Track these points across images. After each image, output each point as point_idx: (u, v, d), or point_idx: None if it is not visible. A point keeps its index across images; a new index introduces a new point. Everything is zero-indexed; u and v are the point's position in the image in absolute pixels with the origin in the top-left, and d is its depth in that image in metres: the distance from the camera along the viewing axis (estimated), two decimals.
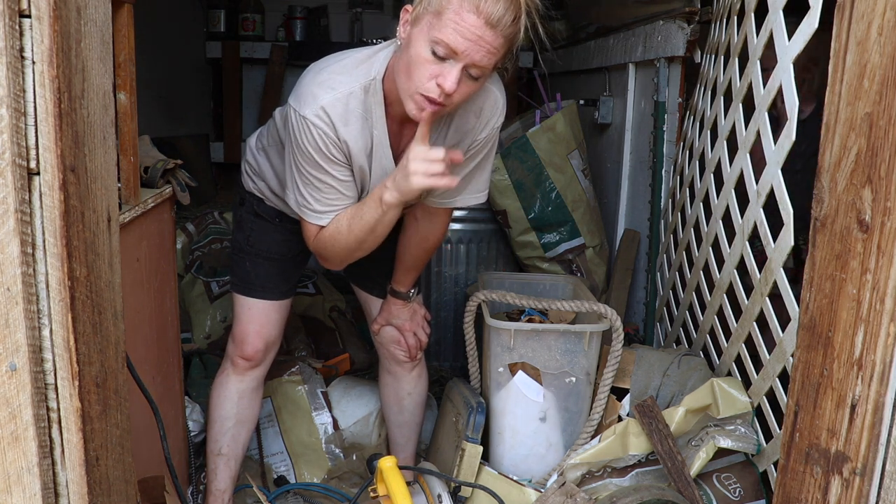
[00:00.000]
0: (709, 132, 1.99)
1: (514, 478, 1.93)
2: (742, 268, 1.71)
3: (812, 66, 2.07)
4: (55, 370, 0.86)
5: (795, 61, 1.44)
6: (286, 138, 1.59)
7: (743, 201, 1.70)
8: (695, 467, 1.60)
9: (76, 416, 0.87)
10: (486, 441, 1.96)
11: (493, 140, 1.66)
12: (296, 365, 2.31)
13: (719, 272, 1.85)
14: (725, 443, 1.61)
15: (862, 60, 0.91)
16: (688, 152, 2.21)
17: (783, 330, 1.51)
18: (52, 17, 0.79)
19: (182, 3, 4.10)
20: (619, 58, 2.88)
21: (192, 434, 2.05)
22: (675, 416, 1.74)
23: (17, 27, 0.78)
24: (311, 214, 1.58)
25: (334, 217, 1.59)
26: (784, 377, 1.47)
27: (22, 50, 0.79)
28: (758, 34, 1.63)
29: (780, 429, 1.55)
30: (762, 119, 1.60)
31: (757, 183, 1.61)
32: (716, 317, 1.89)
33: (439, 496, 1.76)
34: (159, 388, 1.71)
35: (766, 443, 1.63)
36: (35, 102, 0.80)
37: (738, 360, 1.77)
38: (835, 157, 0.97)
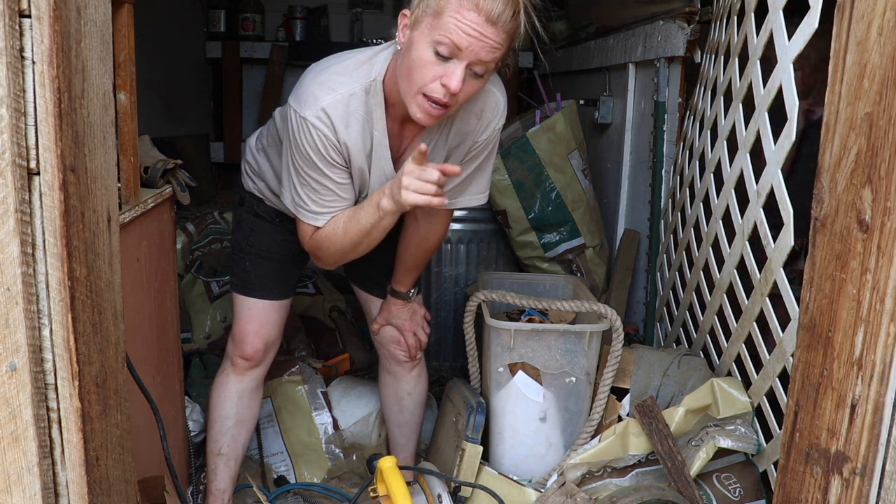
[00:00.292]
0: (709, 132, 1.99)
1: (514, 478, 1.93)
2: (742, 268, 1.71)
3: (825, 67, 2.08)
4: (55, 370, 0.86)
5: (797, 61, 1.44)
6: (285, 138, 1.59)
7: (743, 201, 1.70)
8: (695, 467, 1.60)
9: (76, 416, 0.87)
10: (486, 441, 1.96)
11: (493, 142, 1.66)
12: (296, 365, 2.31)
13: (719, 272, 1.85)
14: (725, 443, 1.61)
15: (862, 60, 0.91)
16: (688, 152, 2.21)
17: (783, 330, 1.51)
18: (52, 17, 0.79)
19: (182, 3, 4.10)
20: (619, 58, 2.88)
21: (192, 434, 2.05)
22: (675, 416, 1.74)
23: (17, 27, 0.78)
24: (307, 215, 1.58)
25: (331, 219, 1.59)
26: (784, 377, 1.47)
27: (22, 50, 0.79)
28: (758, 34, 1.63)
29: (780, 429, 1.55)
30: (762, 119, 1.60)
31: (757, 183, 1.61)
32: (716, 317, 1.89)
33: (439, 496, 1.76)
34: (159, 388, 1.71)
35: (766, 443, 1.63)
36: (35, 102, 0.80)
37: (738, 360, 1.77)
38: (835, 157, 0.97)
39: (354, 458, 2.23)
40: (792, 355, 1.40)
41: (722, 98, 1.90)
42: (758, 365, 1.66)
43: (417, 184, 1.40)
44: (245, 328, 1.83)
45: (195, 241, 3.05)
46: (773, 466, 1.60)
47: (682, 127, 2.39)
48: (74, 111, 0.84)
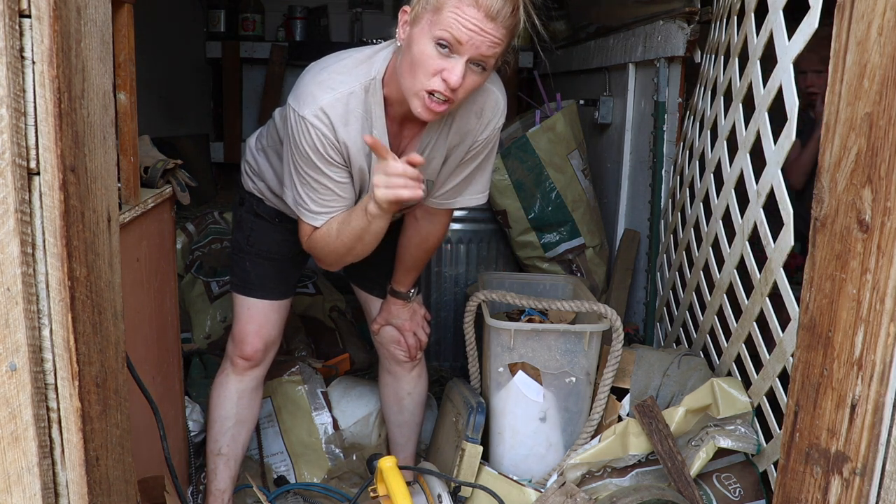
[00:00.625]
0: (709, 132, 1.99)
1: (514, 478, 1.93)
2: (742, 268, 1.71)
3: None
4: (55, 370, 0.86)
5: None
6: (285, 137, 1.59)
7: (743, 201, 1.70)
8: (695, 467, 1.60)
9: (76, 416, 0.87)
10: (486, 441, 1.96)
11: (493, 141, 1.66)
12: (296, 365, 2.30)
13: (719, 272, 1.85)
14: (725, 443, 1.61)
15: (862, 60, 0.91)
16: (688, 152, 2.21)
17: (783, 330, 1.51)
18: (52, 17, 0.79)
19: (182, 3, 4.10)
20: (619, 58, 2.88)
21: (192, 434, 2.05)
22: (675, 416, 1.74)
23: (17, 27, 0.78)
24: (307, 214, 1.59)
25: (328, 220, 1.59)
26: (784, 377, 1.47)
27: (22, 50, 0.79)
28: (758, 34, 1.63)
29: (779, 429, 1.55)
30: (762, 119, 1.60)
31: (757, 183, 1.61)
32: (716, 317, 1.89)
33: (439, 496, 1.76)
34: (159, 388, 1.71)
35: (766, 443, 1.63)
36: (35, 102, 0.80)
37: (738, 360, 1.77)
38: (835, 157, 0.97)
39: (354, 458, 2.23)
40: (792, 355, 1.40)
41: (722, 98, 1.90)
42: (758, 365, 1.66)
43: (385, 179, 1.40)
44: (245, 328, 1.83)
45: (195, 241, 3.05)
46: (773, 466, 1.60)
47: (682, 127, 2.39)
48: (74, 111, 0.84)
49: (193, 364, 2.35)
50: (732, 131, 1.78)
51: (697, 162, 2.07)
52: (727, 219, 1.81)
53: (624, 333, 1.94)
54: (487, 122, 1.61)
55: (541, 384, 1.94)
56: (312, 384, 2.27)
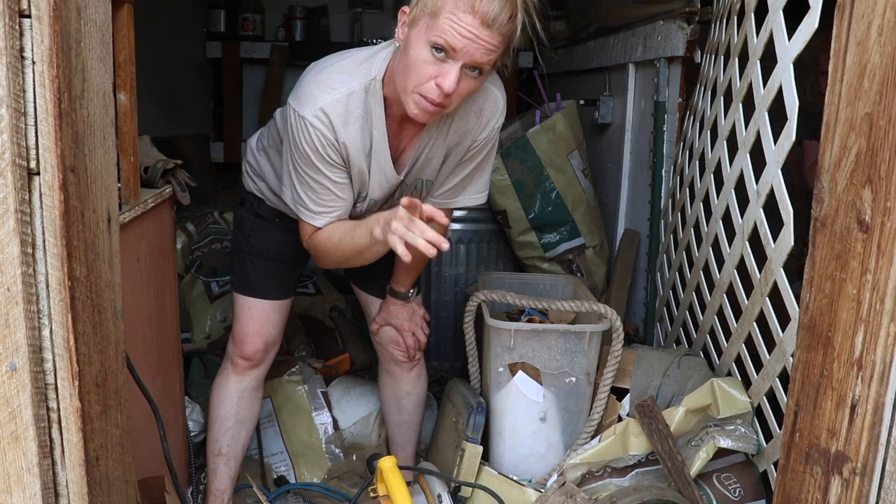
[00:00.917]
0: (709, 132, 1.99)
1: (514, 478, 1.93)
2: (742, 268, 1.71)
3: None
4: (55, 370, 0.86)
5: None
6: (285, 137, 1.59)
7: (743, 201, 1.70)
8: (695, 467, 1.60)
9: (76, 416, 0.87)
10: (486, 441, 1.96)
11: (493, 141, 1.66)
12: (296, 365, 2.30)
13: (719, 272, 1.85)
14: (725, 443, 1.61)
15: (862, 60, 0.91)
16: (688, 152, 2.21)
17: (783, 330, 1.51)
18: (52, 17, 0.79)
19: (182, 3, 4.10)
20: (619, 58, 2.88)
21: (192, 434, 2.05)
22: (675, 416, 1.74)
23: (17, 27, 0.78)
24: (306, 213, 1.59)
25: (330, 223, 1.59)
26: (784, 377, 1.47)
27: (22, 50, 0.79)
28: (758, 34, 1.63)
29: (780, 429, 1.55)
30: (762, 119, 1.60)
31: (757, 183, 1.61)
32: (716, 317, 1.89)
33: (439, 496, 1.76)
34: (159, 388, 1.71)
35: (766, 443, 1.63)
36: (35, 102, 0.80)
37: (738, 360, 1.77)
38: (835, 157, 0.97)
39: (354, 458, 2.23)
40: (792, 355, 1.40)
41: (722, 98, 1.90)
42: (758, 365, 1.66)
43: (403, 231, 1.36)
44: (245, 328, 1.83)
45: (195, 241, 3.05)
46: (773, 466, 1.60)
47: (682, 127, 2.39)
48: (74, 111, 0.84)
49: (193, 364, 2.35)
50: (732, 131, 1.78)
51: (697, 162, 2.07)
52: (727, 219, 1.81)
53: (624, 333, 1.94)
54: (487, 121, 1.61)
55: (541, 384, 1.94)
56: (312, 384, 2.27)
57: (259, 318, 1.83)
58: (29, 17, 0.78)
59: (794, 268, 1.76)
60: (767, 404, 1.64)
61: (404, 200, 1.36)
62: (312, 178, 1.54)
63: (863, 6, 0.91)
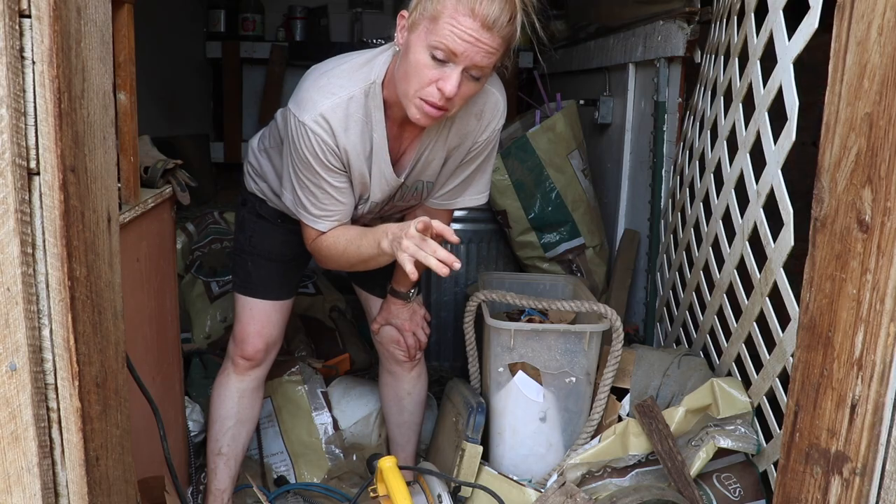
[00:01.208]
0: (709, 132, 1.99)
1: (514, 478, 1.93)
2: (742, 268, 1.71)
3: None
4: (55, 370, 0.86)
5: (797, 61, 1.44)
6: (285, 140, 1.59)
7: (743, 201, 1.70)
8: (695, 467, 1.60)
9: (76, 416, 0.87)
10: (486, 441, 1.96)
11: (493, 142, 1.66)
12: (296, 365, 2.30)
13: (719, 272, 1.85)
14: (725, 443, 1.61)
15: (862, 60, 0.91)
16: (688, 152, 2.21)
17: (783, 330, 1.51)
18: (52, 17, 0.79)
19: (182, 3, 4.10)
20: (619, 58, 2.88)
21: (192, 434, 2.05)
22: (675, 416, 1.74)
23: (17, 27, 0.78)
24: (307, 217, 1.59)
25: (332, 227, 1.60)
26: (784, 377, 1.47)
27: (22, 50, 0.79)
28: (758, 34, 1.63)
29: (780, 429, 1.55)
30: (762, 119, 1.60)
31: (757, 183, 1.61)
32: (716, 317, 1.89)
33: (439, 496, 1.76)
34: (159, 388, 1.71)
35: (766, 443, 1.63)
36: (35, 102, 0.80)
37: (738, 360, 1.77)
38: (835, 157, 0.97)
39: (354, 458, 2.23)
40: (792, 355, 1.40)
41: (722, 98, 1.90)
42: (758, 365, 1.66)
43: (413, 249, 1.37)
44: (246, 328, 1.84)
45: (195, 241, 3.05)
46: (773, 466, 1.60)
47: (682, 127, 2.39)
48: (74, 111, 0.84)
49: (193, 364, 2.35)
50: (732, 131, 1.78)
51: (697, 162, 2.07)
52: (727, 219, 1.81)
53: (624, 333, 1.94)
54: (487, 123, 1.61)
55: (541, 384, 1.94)
56: (312, 384, 2.27)
57: (260, 319, 1.83)
58: (29, 17, 0.78)
59: (794, 268, 1.76)
60: (767, 404, 1.64)
61: (419, 225, 1.36)
62: (313, 183, 1.54)
63: (863, 6, 0.91)
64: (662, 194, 2.51)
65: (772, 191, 1.54)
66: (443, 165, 1.64)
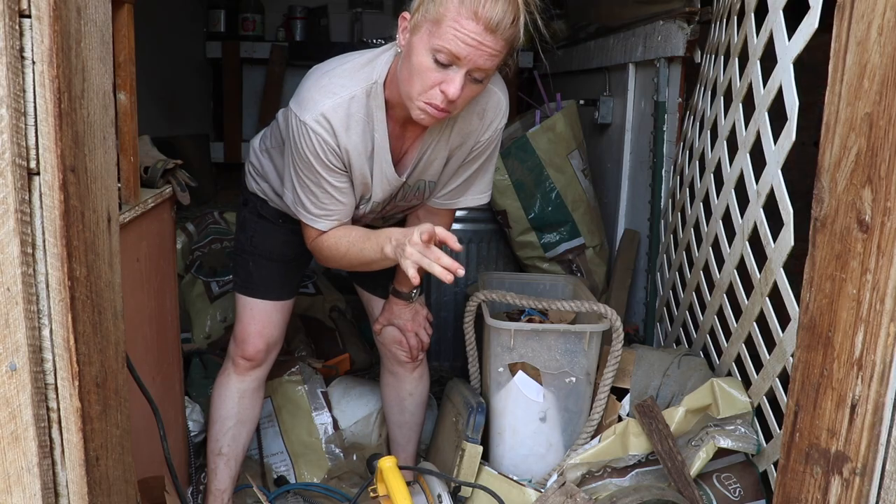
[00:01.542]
0: (709, 132, 1.99)
1: (514, 478, 1.93)
2: (742, 268, 1.71)
3: None
4: (55, 370, 0.86)
5: (797, 61, 1.44)
6: (286, 140, 1.59)
7: (743, 201, 1.70)
8: (695, 467, 1.60)
9: (76, 416, 0.87)
10: (486, 441, 1.96)
11: (495, 141, 1.66)
12: (296, 365, 2.30)
13: (719, 272, 1.85)
14: (725, 443, 1.61)
15: (862, 60, 0.91)
16: (688, 152, 2.21)
17: (783, 330, 1.51)
18: (52, 17, 0.79)
19: (182, 3, 4.10)
20: (619, 58, 2.88)
21: (192, 434, 2.05)
22: (675, 416, 1.74)
23: (17, 27, 0.78)
24: (307, 216, 1.59)
25: (332, 227, 1.60)
26: (784, 377, 1.47)
27: (22, 50, 0.79)
28: (758, 34, 1.63)
29: (780, 429, 1.55)
30: (762, 119, 1.60)
31: (757, 183, 1.61)
32: (716, 317, 1.89)
33: (439, 496, 1.76)
34: (159, 388, 1.71)
35: (766, 443, 1.63)
36: (35, 102, 0.80)
37: (738, 360, 1.77)
38: (835, 157, 0.97)
39: (354, 458, 2.23)
40: (792, 355, 1.40)
41: (722, 98, 1.90)
42: (758, 365, 1.66)
43: (418, 256, 1.38)
44: (247, 328, 1.83)
45: (195, 241, 3.05)
46: (773, 466, 1.60)
47: (682, 127, 2.39)
48: (74, 111, 0.84)
49: (193, 364, 2.35)
50: (732, 131, 1.78)
51: (697, 162, 2.07)
52: (727, 219, 1.81)
53: (624, 333, 1.94)
54: (489, 122, 1.61)
55: (541, 384, 1.94)
56: (312, 384, 2.27)
57: (261, 319, 1.83)
58: (29, 17, 0.78)
59: (794, 268, 1.76)
60: (767, 404, 1.64)
61: (424, 235, 1.37)
62: (313, 182, 1.54)
63: (863, 6, 0.91)
64: (662, 194, 2.51)
65: (772, 191, 1.54)
66: (445, 165, 1.64)
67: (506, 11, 1.31)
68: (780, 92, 1.49)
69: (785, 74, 1.47)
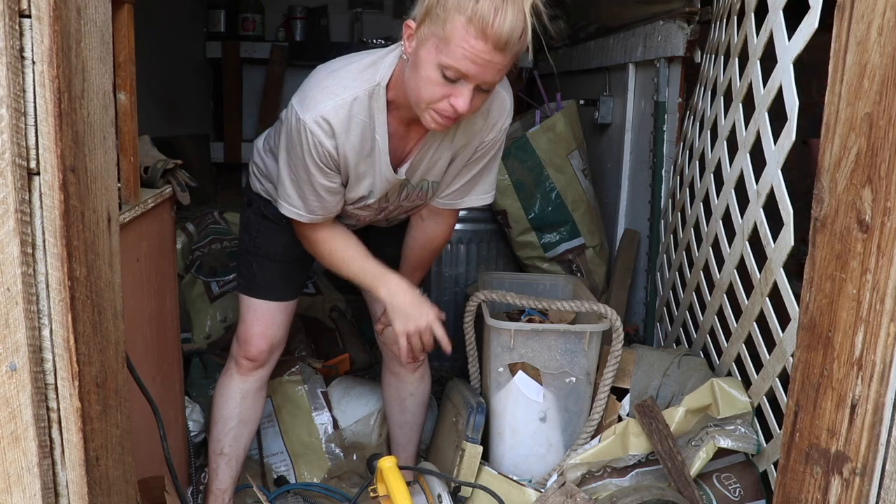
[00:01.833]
0: (709, 132, 1.99)
1: (514, 478, 1.93)
2: (742, 268, 1.71)
3: None
4: (55, 370, 0.86)
5: (796, 61, 1.44)
6: (284, 132, 1.59)
7: (743, 201, 1.70)
8: (695, 467, 1.60)
9: (76, 416, 0.87)
10: (486, 441, 1.96)
11: (500, 142, 1.66)
12: (296, 365, 2.30)
13: (719, 272, 1.85)
14: (725, 443, 1.61)
15: (862, 60, 0.91)
16: (688, 152, 2.21)
17: (783, 330, 1.51)
18: (52, 17, 0.79)
19: (182, 3, 4.09)
20: (619, 58, 2.88)
21: (192, 434, 2.05)
22: (675, 416, 1.74)
23: (17, 27, 0.78)
24: (285, 206, 1.62)
25: (335, 237, 1.66)
26: (784, 377, 1.47)
27: (22, 50, 0.79)
28: (758, 34, 1.63)
29: (779, 429, 1.55)
30: (762, 119, 1.60)
31: (757, 183, 1.61)
32: (716, 317, 1.89)
33: (439, 496, 1.76)
34: (159, 388, 1.71)
35: (766, 443, 1.63)
36: (35, 102, 0.80)
37: (738, 360, 1.77)
38: (835, 157, 0.97)
39: (355, 457, 2.23)
40: (792, 355, 1.40)
41: (722, 98, 1.90)
42: (758, 365, 1.66)
43: (414, 325, 1.64)
44: (250, 329, 1.83)
45: (195, 241, 3.05)
46: (772, 466, 1.60)
47: (682, 127, 2.39)
48: (74, 111, 0.84)
49: (193, 364, 2.35)
50: (732, 131, 1.78)
51: (697, 162, 2.07)
52: (727, 219, 1.81)
53: (624, 333, 1.94)
54: (494, 122, 1.61)
55: (541, 384, 1.94)
56: (312, 384, 2.27)
57: (264, 320, 1.83)
58: (29, 17, 0.78)
59: (794, 268, 1.76)
60: (767, 404, 1.64)
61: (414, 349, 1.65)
62: (303, 179, 1.56)
63: (863, 6, 0.91)
64: (662, 194, 2.51)
65: (772, 191, 1.54)
66: (449, 165, 1.64)
67: (514, 27, 1.29)
68: (780, 92, 1.49)
69: (785, 74, 1.46)
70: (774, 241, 1.54)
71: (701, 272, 1.98)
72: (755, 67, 1.64)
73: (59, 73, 0.80)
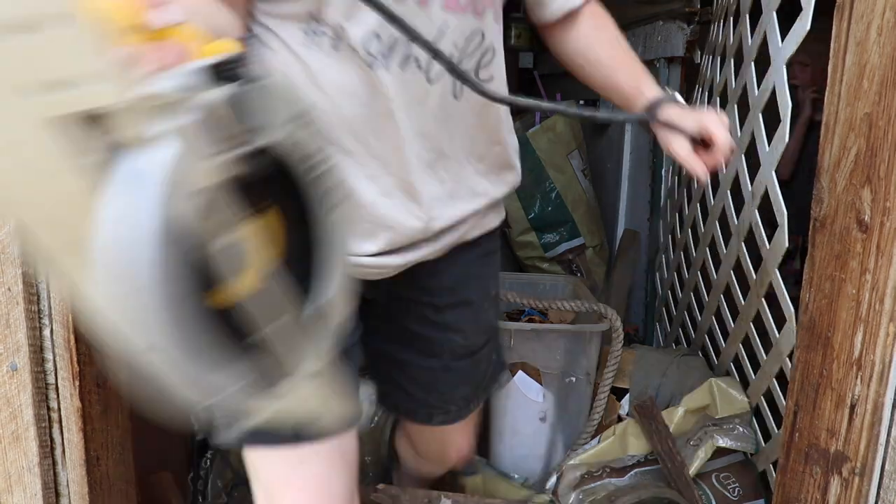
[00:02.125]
0: None
1: (514, 477, 1.93)
2: (738, 268, 1.72)
3: None
4: (56, 370, 0.86)
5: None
6: None
7: (739, 202, 1.70)
8: (693, 467, 1.61)
9: (77, 416, 0.87)
10: (485, 441, 1.96)
11: None
12: None
13: (716, 273, 1.86)
14: (724, 442, 1.62)
15: (861, 61, 0.92)
16: None
17: (779, 330, 1.51)
18: None
19: None
20: None
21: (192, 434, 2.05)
22: (675, 416, 1.75)
23: None
24: None
25: None
26: (781, 377, 1.47)
27: None
28: (752, 35, 1.63)
29: (777, 428, 1.55)
30: (756, 120, 1.60)
31: (752, 184, 1.61)
32: (713, 317, 1.89)
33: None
34: None
35: (765, 442, 1.63)
36: None
37: (736, 360, 1.78)
38: (834, 157, 0.97)
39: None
40: (788, 356, 1.40)
41: (719, 99, 1.90)
42: (755, 365, 1.67)
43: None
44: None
45: None
46: (771, 466, 1.61)
47: None
48: None
49: None
50: (730, 131, 1.78)
51: None
52: (724, 219, 1.81)
53: (624, 333, 1.94)
54: None
55: (541, 384, 1.94)
56: None
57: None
58: None
59: (789, 269, 1.77)
60: (765, 404, 1.64)
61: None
62: None
63: (862, 6, 0.91)
64: (662, 194, 2.51)
65: (766, 192, 1.54)
66: None
67: None
68: (773, 93, 1.49)
69: (778, 75, 1.46)
70: (769, 242, 1.54)
71: (699, 272, 1.99)
72: (749, 68, 1.64)
73: None
